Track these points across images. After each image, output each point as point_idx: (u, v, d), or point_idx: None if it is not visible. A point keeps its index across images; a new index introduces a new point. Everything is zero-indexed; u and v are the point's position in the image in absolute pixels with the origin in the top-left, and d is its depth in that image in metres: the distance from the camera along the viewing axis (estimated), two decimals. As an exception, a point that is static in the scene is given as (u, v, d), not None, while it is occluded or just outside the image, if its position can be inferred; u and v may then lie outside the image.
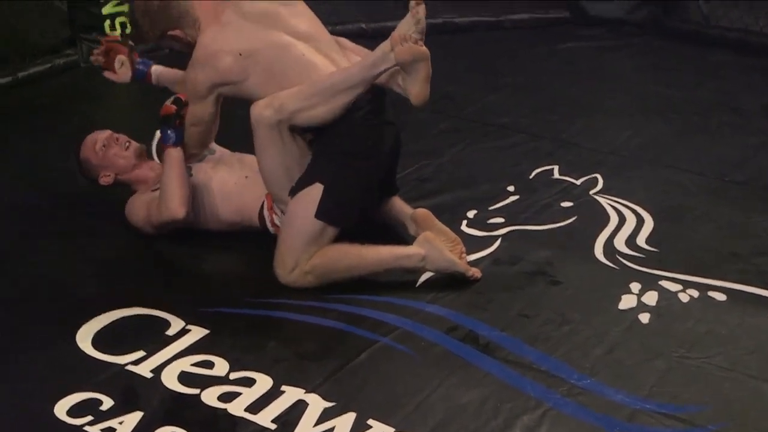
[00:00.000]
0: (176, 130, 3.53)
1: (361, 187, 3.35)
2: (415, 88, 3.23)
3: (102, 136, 3.74)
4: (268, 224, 3.51)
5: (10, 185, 4.11)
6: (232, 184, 3.60)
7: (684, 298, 3.30)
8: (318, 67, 3.34)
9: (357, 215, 3.35)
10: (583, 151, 4.43)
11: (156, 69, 3.79)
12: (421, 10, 3.18)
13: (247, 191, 3.57)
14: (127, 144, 3.74)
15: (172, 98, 3.57)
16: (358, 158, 3.31)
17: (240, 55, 3.32)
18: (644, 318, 3.19)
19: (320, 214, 3.27)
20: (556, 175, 4.18)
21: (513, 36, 6.14)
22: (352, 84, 3.24)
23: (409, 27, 3.18)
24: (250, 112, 3.29)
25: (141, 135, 3.78)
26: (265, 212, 3.52)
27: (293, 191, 3.32)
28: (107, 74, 3.80)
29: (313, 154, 3.34)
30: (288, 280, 3.32)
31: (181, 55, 3.54)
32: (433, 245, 3.34)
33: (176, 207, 3.48)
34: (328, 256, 3.31)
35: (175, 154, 3.53)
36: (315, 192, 3.27)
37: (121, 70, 3.77)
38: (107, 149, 3.71)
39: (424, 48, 3.18)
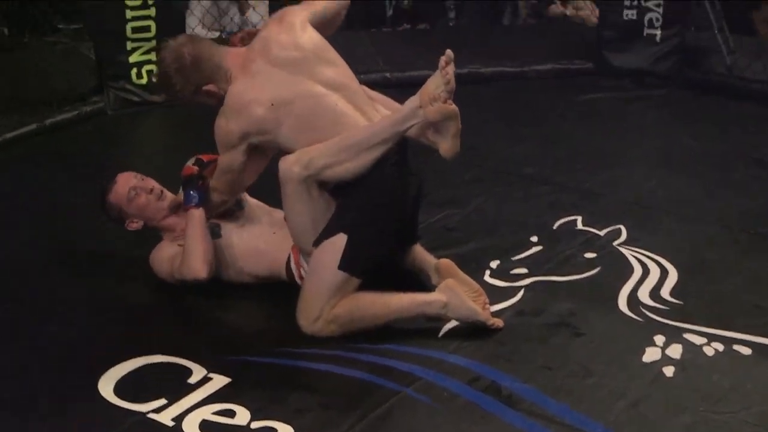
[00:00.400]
0: (199, 191, 3.53)
1: (385, 238, 3.35)
2: (446, 144, 3.23)
3: (133, 182, 3.68)
4: (296, 277, 3.52)
5: (36, 231, 4.14)
6: (262, 242, 3.60)
7: (709, 351, 3.27)
8: (350, 117, 3.33)
9: (380, 266, 3.34)
10: (606, 202, 4.43)
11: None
12: (450, 69, 3.18)
13: (275, 248, 3.57)
14: (161, 193, 3.69)
15: (193, 159, 3.58)
16: (383, 209, 3.32)
17: (272, 105, 3.31)
18: (668, 371, 3.16)
19: (344, 264, 3.27)
20: (580, 225, 4.18)
21: (537, 86, 6.17)
22: (381, 140, 3.24)
23: (438, 86, 3.18)
24: (278, 167, 3.28)
25: (167, 182, 3.78)
26: (293, 265, 3.52)
27: (317, 241, 3.32)
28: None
29: (337, 204, 3.34)
30: (311, 330, 3.32)
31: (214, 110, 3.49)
32: (455, 293, 3.33)
33: (199, 268, 3.48)
34: (351, 306, 3.30)
35: (197, 214, 3.53)
36: (339, 242, 3.27)
37: None
38: (137, 197, 3.66)
39: (453, 106, 3.18)
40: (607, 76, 6.25)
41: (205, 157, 3.56)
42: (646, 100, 5.93)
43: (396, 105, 3.46)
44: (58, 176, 4.74)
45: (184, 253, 3.52)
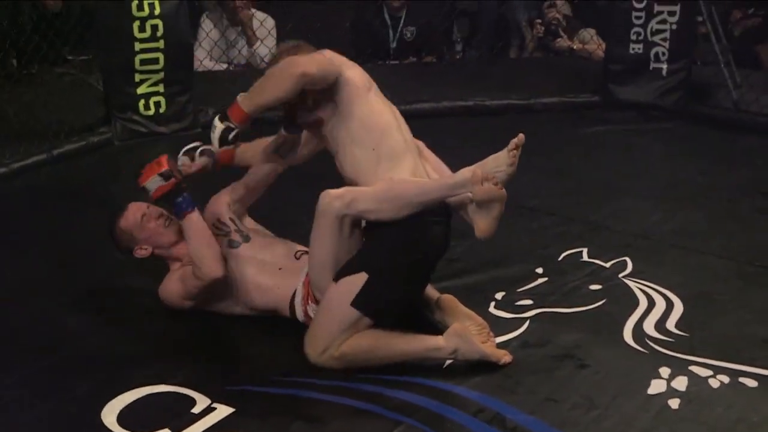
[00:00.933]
0: (184, 197, 3.49)
1: (407, 285, 3.34)
2: (484, 224, 3.25)
3: (143, 208, 3.70)
4: (300, 315, 3.50)
5: (42, 259, 4.15)
6: (266, 278, 3.57)
7: (714, 383, 3.26)
8: (404, 163, 3.32)
9: (397, 311, 3.32)
10: (612, 234, 4.43)
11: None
12: (518, 153, 3.21)
13: (280, 284, 3.55)
14: (168, 221, 3.68)
15: (154, 177, 3.47)
16: (412, 255, 3.30)
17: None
18: (674, 403, 3.15)
19: (357, 303, 3.24)
20: (585, 257, 4.17)
21: (543, 119, 6.18)
22: (427, 200, 3.24)
23: (499, 165, 3.21)
24: (319, 198, 3.26)
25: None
26: (297, 302, 3.51)
27: (338, 275, 3.29)
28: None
29: (366, 240, 3.32)
30: (317, 361, 3.30)
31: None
32: (464, 339, 3.30)
33: (212, 267, 3.46)
34: (358, 346, 3.28)
35: (195, 218, 3.52)
36: (358, 281, 3.24)
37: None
38: (148, 222, 3.67)
39: (503, 191, 3.20)
40: (613, 110, 6.27)
41: (165, 164, 3.46)
42: (652, 133, 5.94)
43: (446, 169, 3.48)
44: (65, 205, 4.75)
45: (193, 259, 3.51)
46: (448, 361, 3.34)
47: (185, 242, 3.63)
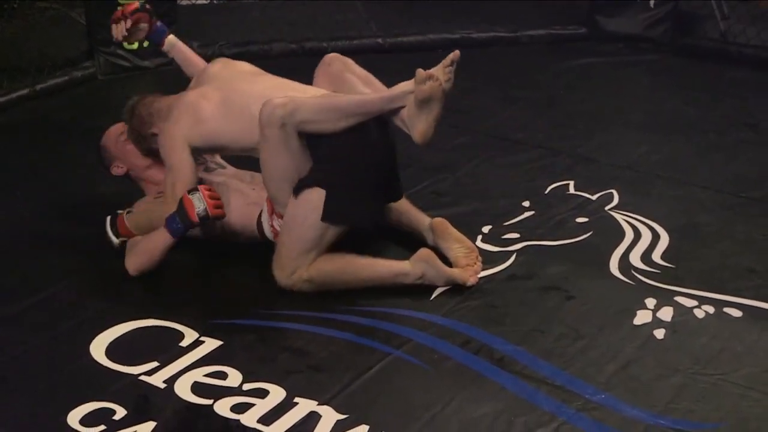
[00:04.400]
0: (184, 225, 3.37)
1: (367, 189, 3.35)
2: (422, 126, 3.23)
3: (123, 127, 3.76)
4: (268, 231, 3.50)
5: (28, 195, 4.13)
6: (237, 196, 3.58)
7: (699, 314, 3.29)
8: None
9: (366, 216, 3.35)
10: (599, 166, 4.42)
11: (172, 38, 3.90)
12: (452, 70, 3.23)
13: (250, 201, 3.56)
14: None
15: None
16: (359, 160, 3.31)
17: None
18: (659, 333, 3.18)
19: (326, 217, 3.27)
20: (572, 190, 4.17)
21: (530, 51, 6.14)
22: (366, 112, 3.28)
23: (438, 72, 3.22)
24: (261, 108, 3.24)
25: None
26: (264, 218, 3.50)
27: (296, 190, 3.30)
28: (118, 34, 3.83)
29: (313, 157, 3.32)
30: (286, 283, 3.34)
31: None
32: (430, 264, 3.36)
33: (130, 267, 3.47)
34: (326, 270, 3.33)
35: (170, 239, 3.42)
36: (317, 196, 3.27)
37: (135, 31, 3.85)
38: (126, 143, 3.72)
39: (443, 87, 3.20)
40: (601, 42, 6.21)
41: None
42: (640, 65, 5.91)
43: (378, 83, 3.50)
44: (48, 141, 4.72)
45: (140, 244, 3.49)
46: (436, 293, 3.37)
47: (159, 166, 3.63)
